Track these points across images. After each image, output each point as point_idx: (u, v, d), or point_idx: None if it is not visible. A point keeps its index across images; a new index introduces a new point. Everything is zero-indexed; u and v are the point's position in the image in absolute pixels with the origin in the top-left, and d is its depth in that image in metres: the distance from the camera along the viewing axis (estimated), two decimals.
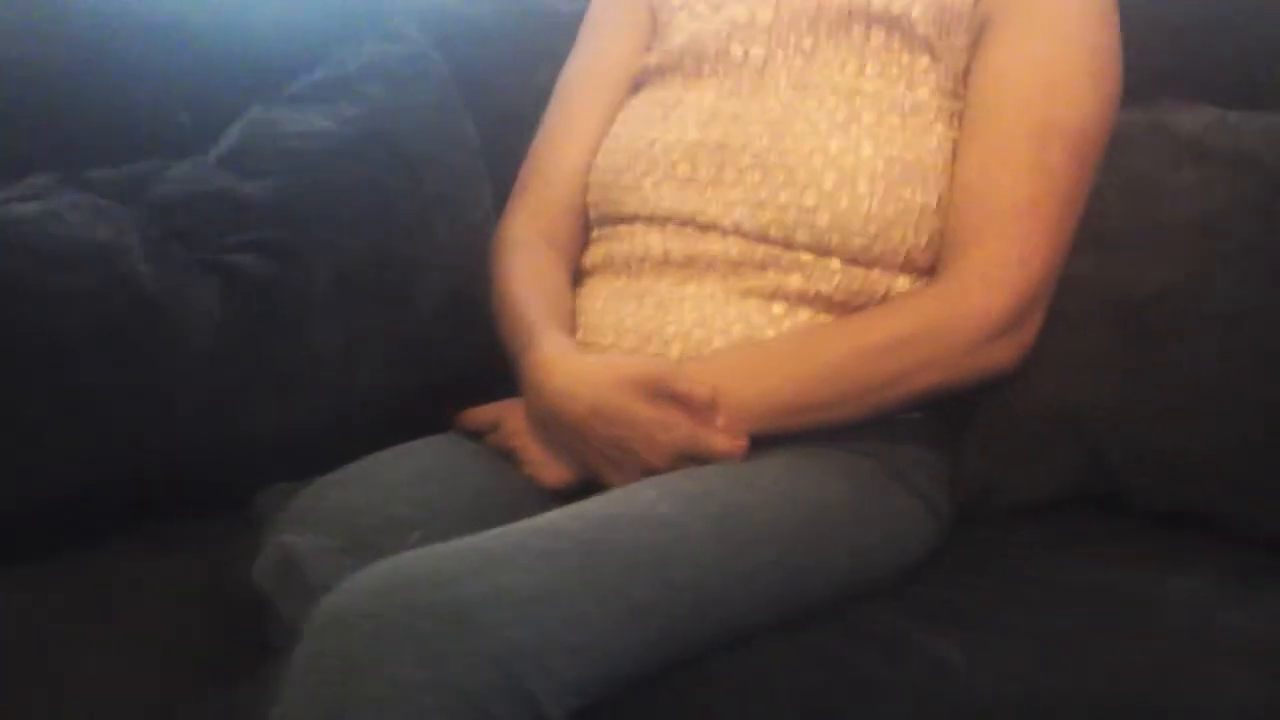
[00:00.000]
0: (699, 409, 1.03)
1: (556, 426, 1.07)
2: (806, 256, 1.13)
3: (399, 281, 1.22)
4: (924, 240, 1.12)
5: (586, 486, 1.07)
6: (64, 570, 1.07)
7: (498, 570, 0.82)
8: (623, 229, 1.23)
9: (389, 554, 0.94)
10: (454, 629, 0.78)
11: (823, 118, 1.15)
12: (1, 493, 1.04)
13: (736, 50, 1.22)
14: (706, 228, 1.17)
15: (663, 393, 1.03)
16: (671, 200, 1.18)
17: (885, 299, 1.14)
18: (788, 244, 1.14)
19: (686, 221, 1.18)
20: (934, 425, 1.17)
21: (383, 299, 1.20)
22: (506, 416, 1.14)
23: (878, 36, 1.17)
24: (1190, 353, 1.04)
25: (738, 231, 1.15)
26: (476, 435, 1.17)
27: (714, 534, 0.93)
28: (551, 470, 1.09)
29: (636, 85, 1.31)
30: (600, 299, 1.22)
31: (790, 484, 1.02)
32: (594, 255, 1.27)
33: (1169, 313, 1.06)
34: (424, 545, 0.95)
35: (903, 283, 1.14)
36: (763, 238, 1.14)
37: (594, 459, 1.05)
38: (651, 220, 1.20)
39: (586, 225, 1.31)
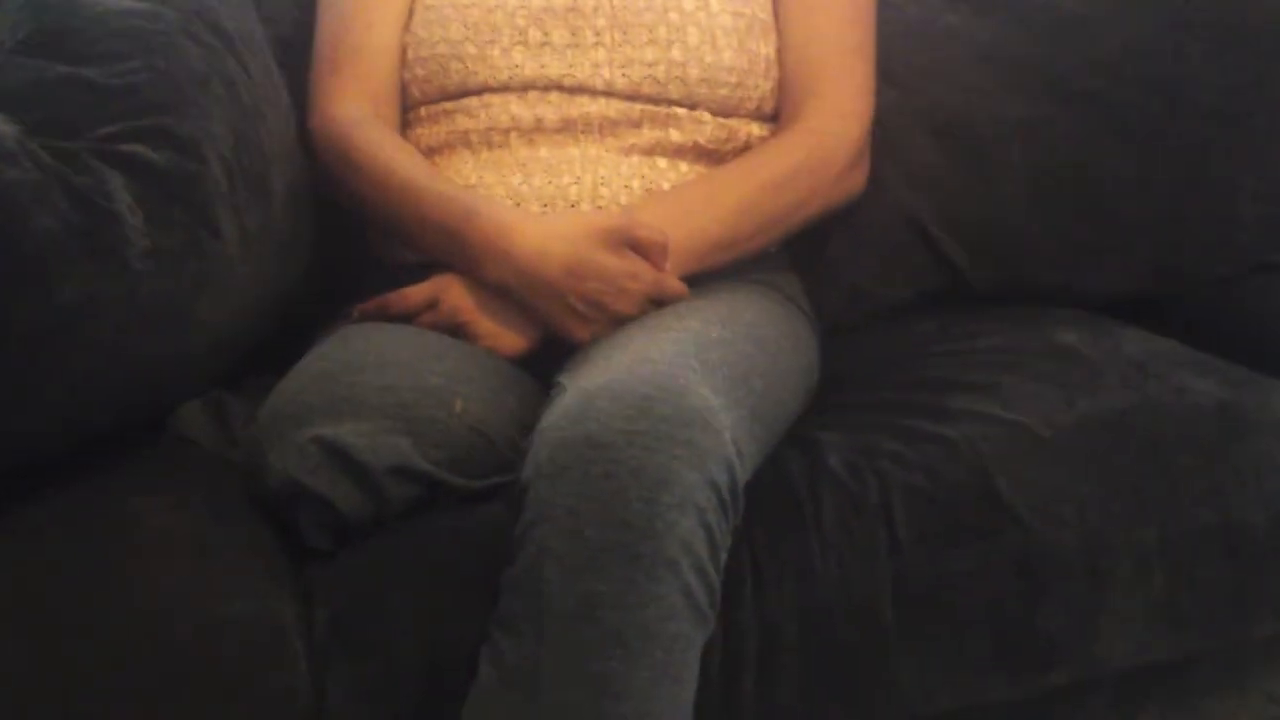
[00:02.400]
0: (655, 254, 1.09)
1: (526, 288, 1.08)
2: (680, 110, 1.22)
3: (261, 173, 1.13)
4: (770, 87, 1.26)
5: (545, 351, 1.09)
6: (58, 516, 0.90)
7: (700, 383, 0.86)
8: (470, 102, 1.23)
9: (449, 427, 0.93)
10: (705, 434, 0.82)
11: None
12: None
13: None
14: (575, 90, 1.21)
15: (626, 242, 1.08)
16: (531, 67, 1.20)
17: (746, 146, 1.26)
18: (662, 100, 1.21)
19: (551, 86, 1.21)
20: (787, 255, 1.32)
21: (252, 190, 1.10)
22: (444, 294, 1.11)
23: None
24: (999, 161, 1.28)
25: (610, 91, 1.21)
26: (399, 319, 1.12)
27: (759, 352, 1.02)
28: (508, 339, 1.10)
29: None
30: (470, 174, 1.21)
31: (752, 314, 1.12)
32: (433, 133, 1.25)
33: (972, 131, 1.30)
34: (469, 414, 0.95)
35: (756, 129, 1.27)
36: (636, 95, 1.21)
37: (562, 317, 1.07)
38: (508, 89, 1.21)
39: (401, 105, 1.28)
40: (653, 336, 0.98)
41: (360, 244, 1.30)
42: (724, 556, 0.83)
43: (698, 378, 0.87)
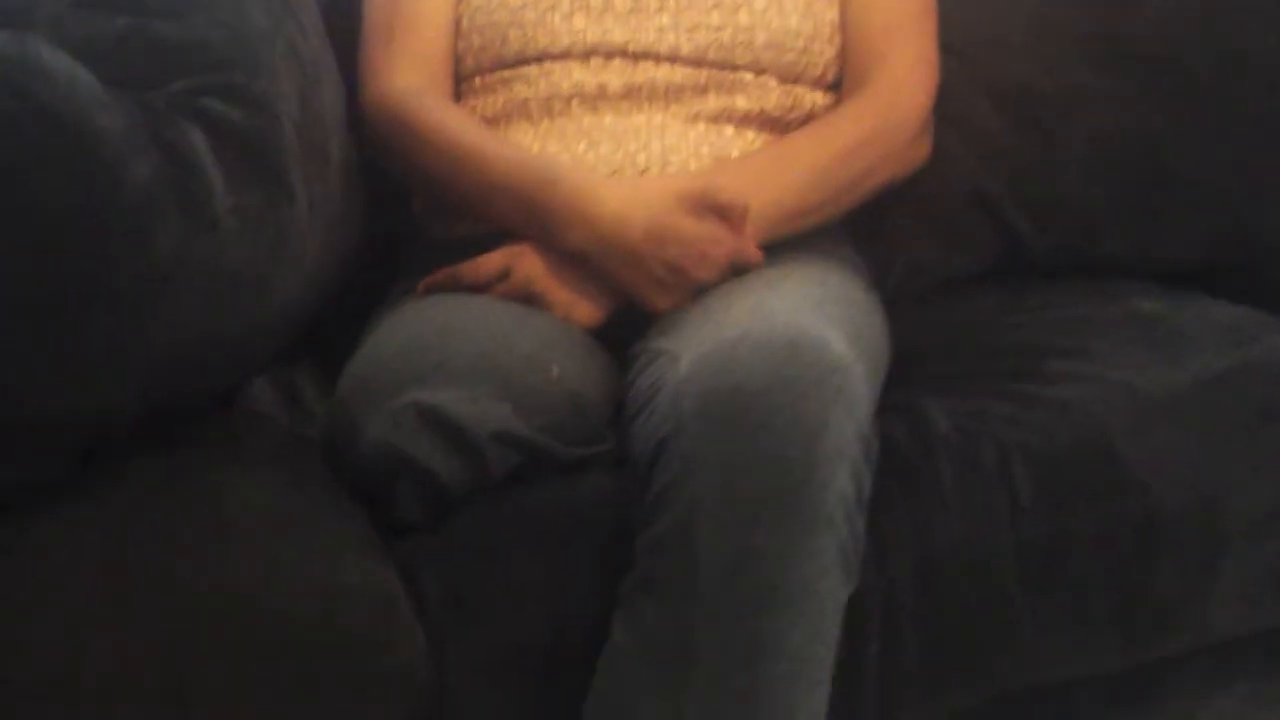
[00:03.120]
0: (736, 219, 1.06)
1: (606, 255, 1.04)
2: (747, 76, 1.19)
3: (322, 140, 1.08)
4: (834, 54, 1.23)
5: (618, 321, 1.05)
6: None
7: (834, 332, 0.83)
8: (529, 70, 1.19)
9: (547, 394, 0.89)
10: (851, 382, 0.80)
11: None
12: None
13: None
14: (639, 56, 1.17)
15: (708, 206, 1.04)
16: (593, 32, 1.17)
17: (810, 115, 1.23)
18: (728, 65, 1.18)
19: (615, 52, 1.17)
20: (845, 229, 1.29)
21: (316, 156, 1.06)
22: (517, 262, 1.07)
23: None
24: (1064, 130, 1.26)
25: (675, 57, 1.17)
26: (470, 290, 1.08)
27: (856, 312, 1.00)
28: (583, 309, 1.06)
29: None
30: (532, 144, 1.18)
31: (834, 279, 1.09)
32: (490, 103, 1.21)
33: (1035, 100, 1.27)
34: (565, 381, 0.91)
35: (820, 97, 1.24)
36: (701, 61, 1.18)
37: (642, 284, 1.04)
38: (569, 55, 1.18)
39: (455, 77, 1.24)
40: (766, 290, 0.94)
41: (398, 220, 1.25)
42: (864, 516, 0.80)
43: (829, 327, 0.84)
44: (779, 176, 1.14)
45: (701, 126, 1.18)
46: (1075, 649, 0.92)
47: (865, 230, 1.27)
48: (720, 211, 1.04)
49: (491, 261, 1.07)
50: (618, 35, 1.16)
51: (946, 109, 1.27)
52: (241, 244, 0.90)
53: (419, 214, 1.23)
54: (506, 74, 1.20)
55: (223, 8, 1.01)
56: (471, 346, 0.92)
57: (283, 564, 0.80)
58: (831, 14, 1.22)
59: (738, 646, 0.74)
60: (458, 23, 1.22)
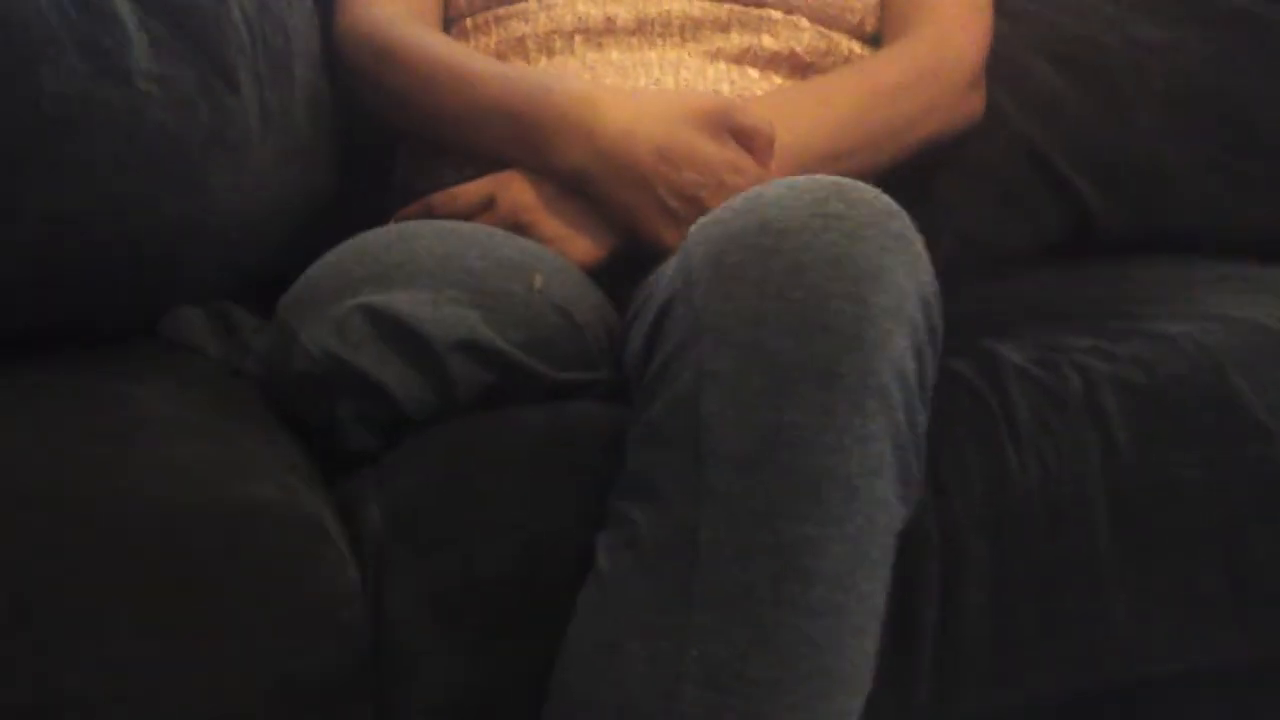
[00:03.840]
0: (760, 146, 0.90)
1: (609, 175, 0.88)
2: (775, 14, 1.04)
3: (283, 50, 0.94)
4: (873, 1, 1.09)
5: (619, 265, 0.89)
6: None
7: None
8: (527, 5, 1.05)
9: (528, 303, 0.73)
10: (911, 233, 0.65)
11: None
12: None
13: None
14: None
15: (729, 128, 0.89)
16: None
17: (849, 61, 1.08)
18: (753, 1, 1.04)
19: None
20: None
21: (273, 65, 0.91)
22: (503, 190, 0.91)
23: None
24: (1133, 87, 1.11)
25: None
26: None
27: None
28: (579, 244, 0.90)
29: None
30: None
31: None
32: (483, 45, 1.06)
33: (1100, 56, 1.13)
34: (551, 292, 0.75)
35: (858, 47, 1.09)
36: None
37: (648, 213, 0.88)
38: None
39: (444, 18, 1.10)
40: None
41: (379, 175, 1.10)
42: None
43: None
44: (814, 110, 0.99)
45: (722, 65, 1.03)
46: (1182, 630, 0.73)
47: (909, 195, 1.10)
48: (743, 136, 0.89)
49: (474, 189, 0.92)
50: None
51: (999, 69, 1.12)
52: (164, 116, 0.75)
53: (401, 165, 1.07)
54: (501, 11, 1.06)
55: None
56: (439, 247, 0.76)
57: (187, 474, 0.62)
58: None
59: (759, 559, 0.55)
60: None
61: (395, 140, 1.09)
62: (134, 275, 0.77)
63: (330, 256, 0.78)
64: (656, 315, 0.63)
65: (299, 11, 0.99)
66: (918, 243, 0.63)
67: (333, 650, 0.58)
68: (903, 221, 0.62)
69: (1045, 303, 0.93)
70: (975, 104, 1.09)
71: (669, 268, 0.65)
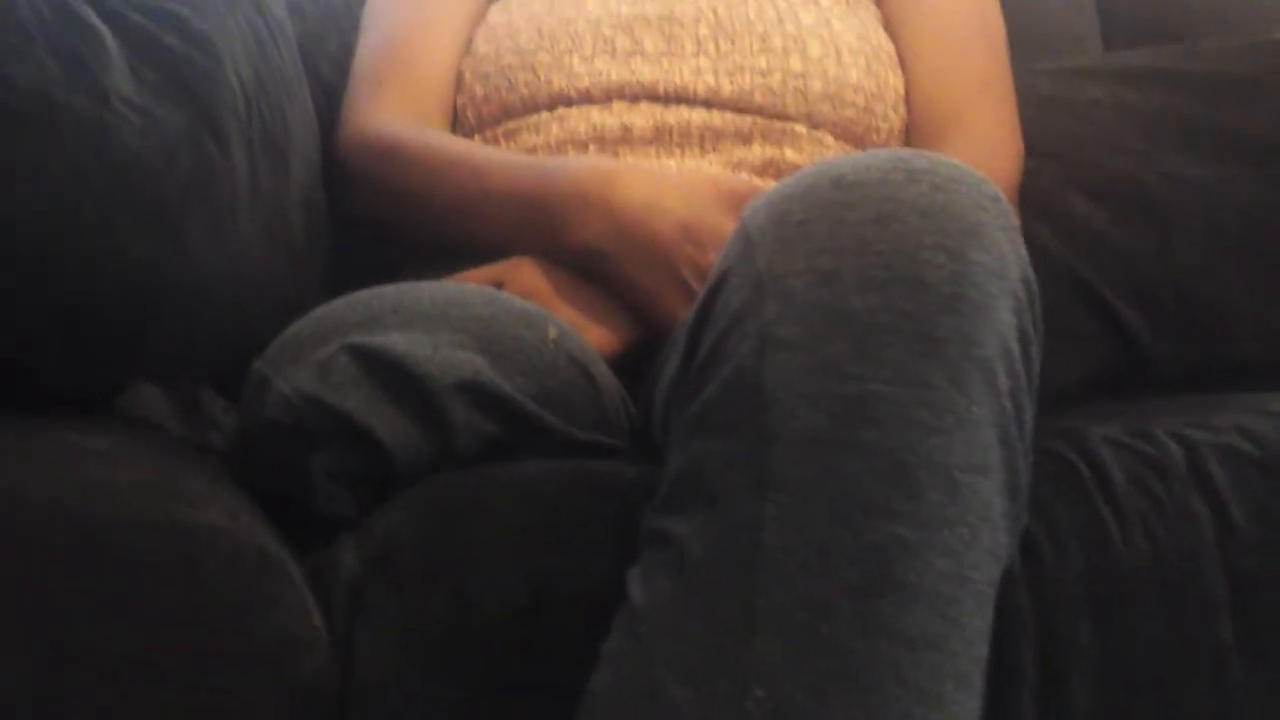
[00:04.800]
0: None
1: (627, 251, 0.81)
2: (800, 128, 0.99)
3: (280, 134, 0.88)
4: (899, 124, 1.05)
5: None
6: None
7: None
8: (539, 118, 1.00)
9: (541, 352, 0.64)
10: (1002, 201, 0.55)
11: None
12: None
13: None
14: (671, 99, 0.98)
15: None
16: (618, 72, 0.99)
17: None
18: (778, 114, 0.99)
19: (642, 94, 0.98)
20: None
21: (268, 144, 0.85)
22: (513, 276, 0.84)
23: None
24: (1178, 220, 1.06)
25: (713, 99, 0.98)
26: None
27: None
28: (595, 332, 0.81)
29: None
30: None
31: None
32: None
33: (1140, 190, 1.08)
34: (568, 344, 0.66)
35: None
36: (746, 105, 0.99)
37: (667, 293, 0.80)
38: (589, 99, 0.99)
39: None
40: None
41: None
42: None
43: None
44: None
45: (744, 177, 0.97)
46: None
47: None
48: None
49: (480, 275, 0.84)
50: (646, 75, 0.98)
51: (1036, 202, 1.07)
52: (140, 145, 0.68)
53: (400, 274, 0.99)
54: (511, 125, 1.01)
55: None
56: (443, 294, 0.67)
57: (128, 493, 0.51)
58: (895, 80, 1.05)
59: (837, 576, 0.43)
60: (460, 75, 1.05)
61: (392, 260, 1.01)
62: (89, 321, 0.67)
63: (317, 310, 0.69)
64: (705, 297, 0.53)
65: (299, 106, 0.94)
66: (1014, 215, 0.54)
67: (287, 708, 0.46)
68: (992, 188, 0.53)
69: (1117, 411, 0.83)
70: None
71: (719, 258, 0.56)
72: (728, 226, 0.79)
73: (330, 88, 1.10)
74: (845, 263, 0.47)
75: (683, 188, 0.82)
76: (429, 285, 0.69)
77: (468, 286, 0.72)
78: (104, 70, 0.66)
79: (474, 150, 0.93)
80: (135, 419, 0.73)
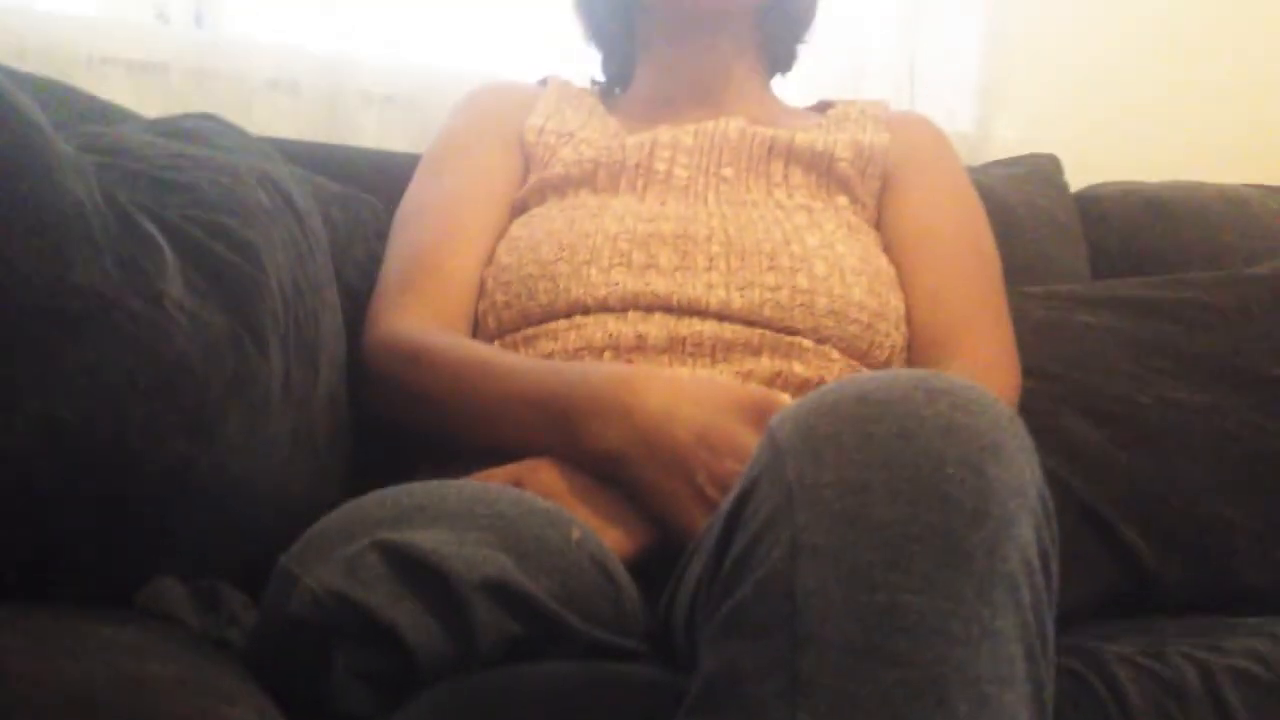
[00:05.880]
0: None
1: (646, 458, 0.83)
2: (807, 343, 1.03)
3: (313, 340, 0.91)
4: (901, 342, 1.09)
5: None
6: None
7: None
8: (557, 325, 1.04)
9: (564, 553, 0.66)
10: (1023, 428, 0.60)
11: (783, 219, 1.10)
12: None
13: (660, 165, 1.15)
14: (684, 311, 1.02)
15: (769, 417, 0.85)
16: (633, 284, 1.03)
17: None
18: (786, 328, 1.03)
19: (656, 305, 1.02)
20: None
21: (302, 347, 0.89)
22: (530, 475, 0.86)
23: (796, 174, 1.17)
24: (1178, 445, 1.08)
25: (725, 313, 1.02)
26: None
27: None
28: (613, 535, 0.83)
29: (522, 206, 1.17)
30: None
31: None
32: None
33: (1138, 414, 1.11)
34: (591, 545, 0.68)
35: None
36: (755, 319, 1.02)
37: (684, 500, 0.82)
38: (605, 308, 1.03)
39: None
40: None
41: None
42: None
43: None
44: None
45: (753, 387, 1.00)
46: None
47: None
48: None
49: (499, 474, 0.86)
50: (660, 287, 1.03)
51: (1035, 424, 1.09)
52: (189, 348, 0.71)
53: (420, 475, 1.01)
54: (531, 331, 1.05)
55: (224, 173, 0.89)
56: (469, 491, 0.69)
57: (162, 687, 0.51)
58: (896, 301, 1.09)
59: None
60: (482, 283, 1.09)
61: (413, 460, 1.04)
62: (120, 516, 0.69)
63: (344, 506, 0.71)
64: (734, 503, 0.55)
65: (329, 310, 0.98)
66: (1029, 439, 0.56)
67: None
68: (1008, 412, 0.56)
69: (1127, 630, 0.84)
70: None
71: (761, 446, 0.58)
72: (743, 435, 0.83)
73: (355, 292, 1.14)
74: (873, 475, 0.50)
75: (700, 395, 0.84)
76: (455, 483, 0.71)
77: (492, 485, 0.74)
78: (159, 274, 0.69)
79: (496, 356, 0.96)
80: (156, 613, 0.74)
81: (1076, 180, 1.61)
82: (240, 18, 1.56)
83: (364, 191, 1.27)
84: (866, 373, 0.92)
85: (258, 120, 1.52)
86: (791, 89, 1.40)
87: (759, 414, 0.84)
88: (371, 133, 1.58)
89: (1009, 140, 1.82)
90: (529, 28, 1.66)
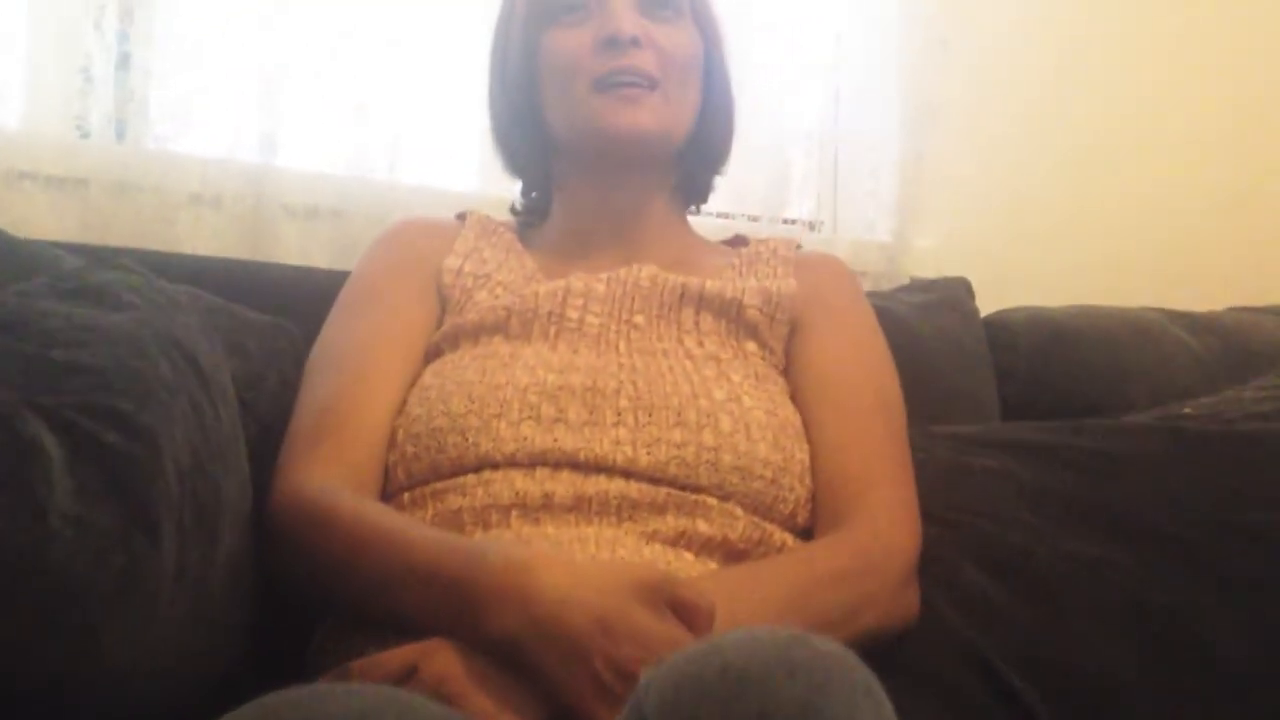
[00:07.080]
0: (700, 623, 0.88)
1: (542, 645, 0.85)
2: (711, 500, 1.05)
3: (214, 513, 0.92)
4: (805, 496, 1.11)
5: None
6: None
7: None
8: (466, 480, 1.05)
9: None
10: (881, 696, 0.61)
11: (692, 371, 1.12)
12: None
13: (573, 314, 1.17)
14: (591, 468, 1.04)
15: (668, 602, 0.87)
16: (542, 440, 1.04)
17: (781, 552, 1.08)
18: (690, 486, 1.05)
19: (564, 462, 1.04)
20: None
21: (201, 524, 0.89)
22: (427, 661, 0.87)
23: (707, 320, 1.19)
24: (1069, 599, 1.11)
25: (631, 470, 1.04)
26: None
27: None
28: None
29: (434, 352, 1.19)
30: None
31: None
32: (422, 516, 1.06)
33: (1031, 567, 1.14)
34: None
35: (790, 539, 1.10)
36: (660, 477, 1.04)
37: (583, 688, 0.83)
38: (514, 464, 1.04)
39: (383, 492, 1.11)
40: None
41: (298, 644, 1.04)
42: None
43: None
44: (751, 592, 0.97)
45: (658, 546, 1.02)
46: None
47: None
48: (683, 611, 0.86)
49: (396, 656, 0.87)
50: (568, 444, 1.04)
51: (932, 571, 1.13)
52: (73, 559, 0.71)
53: (321, 634, 1.02)
54: (440, 485, 1.06)
55: (124, 346, 0.90)
56: (355, 705, 0.69)
57: None
58: (801, 454, 1.11)
59: None
60: (393, 433, 1.10)
61: (317, 613, 1.04)
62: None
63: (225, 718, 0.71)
64: None
65: (234, 473, 0.98)
66: (887, 703, 0.59)
67: None
68: (870, 676, 0.58)
69: None
70: (911, 601, 1.09)
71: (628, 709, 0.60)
72: (644, 620, 0.84)
73: (266, 422, 1.14)
74: None
75: (597, 581, 0.86)
76: (341, 693, 0.72)
77: (380, 696, 0.74)
78: (42, 486, 0.70)
79: (404, 526, 0.97)
80: None
81: (988, 294, 1.65)
82: (163, 130, 1.56)
83: (285, 307, 1.28)
84: (743, 609, 0.92)
85: (180, 234, 1.53)
86: (720, 199, 1.43)
87: (657, 595, 0.85)
88: (295, 245, 1.59)
89: (924, 250, 1.87)
90: (453, 142, 1.68)
